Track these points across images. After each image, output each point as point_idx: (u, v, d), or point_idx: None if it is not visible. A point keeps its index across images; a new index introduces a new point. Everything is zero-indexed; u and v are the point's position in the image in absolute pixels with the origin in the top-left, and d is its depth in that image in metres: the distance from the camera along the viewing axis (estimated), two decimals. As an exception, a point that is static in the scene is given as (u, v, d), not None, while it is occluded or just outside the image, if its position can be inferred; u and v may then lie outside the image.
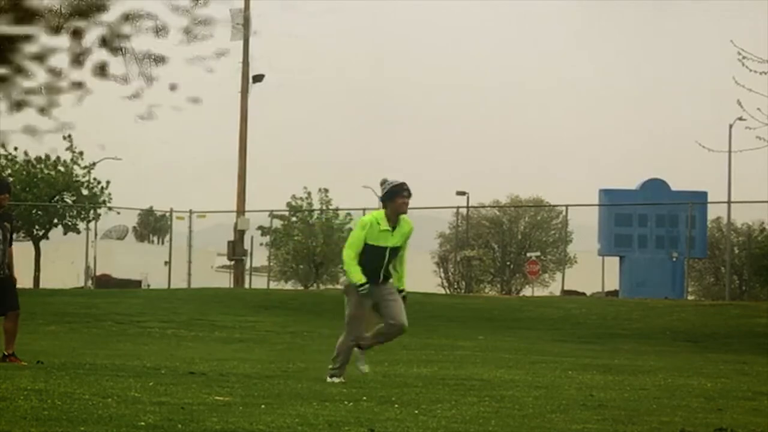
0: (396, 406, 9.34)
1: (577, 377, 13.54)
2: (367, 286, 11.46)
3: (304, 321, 27.57)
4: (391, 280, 11.71)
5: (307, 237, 43.52)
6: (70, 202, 42.22)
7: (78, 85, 5.17)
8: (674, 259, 40.29)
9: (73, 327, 25.01)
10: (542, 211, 52.55)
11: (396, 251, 11.63)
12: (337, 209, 43.86)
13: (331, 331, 24.34)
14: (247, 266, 43.34)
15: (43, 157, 41.20)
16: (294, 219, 44.19)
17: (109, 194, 42.13)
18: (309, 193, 43.84)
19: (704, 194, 41.04)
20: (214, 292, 34.34)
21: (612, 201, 40.84)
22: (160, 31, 5.32)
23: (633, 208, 40.64)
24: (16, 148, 40.88)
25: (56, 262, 47.42)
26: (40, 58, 5.02)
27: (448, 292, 45.06)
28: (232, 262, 42.54)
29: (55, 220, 41.59)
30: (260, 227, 44.54)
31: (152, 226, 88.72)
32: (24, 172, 41.02)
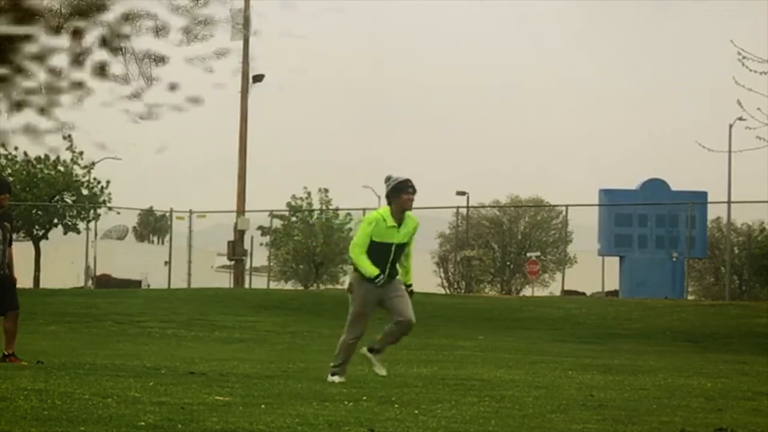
0: (396, 406, 9.34)
1: (577, 377, 13.54)
2: (382, 277, 11.43)
3: (304, 321, 27.57)
4: (397, 277, 11.69)
5: (307, 237, 43.53)
6: (70, 202, 42.23)
7: (78, 85, 5.17)
8: (674, 259, 40.30)
9: (73, 327, 25.01)
10: (542, 211, 52.56)
11: (402, 248, 11.60)
12: (337, 209, 43.88)
13: (331, 331, 24.35)
14: (247, 266, 43.35)
15: (42, 157, 41.20)
16: (294, 219, 44.20)
17: (109, 194, 42.16)
18: (309, 193, 43.88)
19: (704, 194, 41.05)
20: (214, 292, 34.34)
21: (612, 201, 40.84)
22: (160, 31, 5.33)
23: (633, 208, 40.64)
24: (16, 148, 40.91)
25: (56, 262, 47.43)
26: (40, 58, 5.02)
27: (448, 292, 45.08)
28: (232, 262, 42.54)
29: (55, 220, 41.59)
30: (260, 227, 44.56)
31: (152, 226, 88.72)
32: (24, 172, 41.03)
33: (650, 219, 40.67)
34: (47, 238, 42.23)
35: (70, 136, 41.38)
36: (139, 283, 53.67)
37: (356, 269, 11.73)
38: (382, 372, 11.82)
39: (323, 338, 23.11)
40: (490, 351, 19.97)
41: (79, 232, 41.88)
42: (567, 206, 42.41)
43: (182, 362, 14.31)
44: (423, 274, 45.12)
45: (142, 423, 7.69)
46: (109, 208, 42.96)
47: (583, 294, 42.79)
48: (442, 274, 48.33)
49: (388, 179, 11.74)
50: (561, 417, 8.97)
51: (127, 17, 5.24)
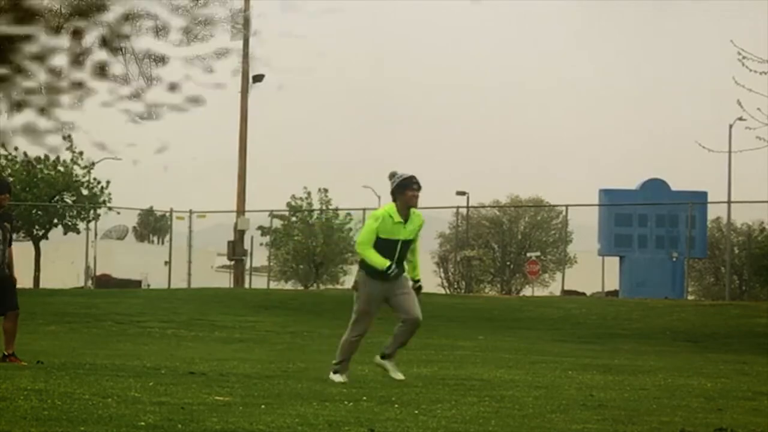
0: (396, 406, 9.34)
1: (577, 377, 13.54)
2: (394, 267, 11.40)
3: (304, 321, 27.57)
4: (404, 274, 11.64)
5: (307, 237, 43.53)
6: (70, 202, 42.23)
7: (78, 85, 5.17)
8: (674, 259, 40.30)
9: (73, 327, 25.01)
10: (542, 211, 52.56)
11: (408, 244, 11.54)
12: (337, 209, 43.88)
13: (331, 331, 24.35)
14: (247, 266, 43.35)
15: (42, 157, 41.21)
16: (294, 219, 44.20)
17: (109, 194, 42.17)
18: (309, 193, 43.88)
19: (704, 194, 41.05)
20: (214, 292, 34.35)
21: (612, 201, 40.85)
22: (160, 31, 5.33)
23: (633, 208, 40.65)
24: (16, 148, 40.90)
25: (56, 262, 47.43)
26: (40, 58, 5.02)
27: (448, 292, 45.08)
28: (232, 262, 42.55)
29: (55, 220, 41.60)
30: (260, 227, 44.56)
31: (152, 226, 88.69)
32: (24, 172, 41.03)
33: (650, 219, 40.68)
34: (47, 238, 42.24)
35: (70, 136, 41.41)
36: (139, 283, 53.67)
37: (362, 266, 11.67)
38: (399, 376, 11.70)
39: (323, 338, 23.11)
40: (490, 351, 19.97)
41: (79, 232, 41.89)
42: (567, 206, 42.41)
43: (182, 362, 14.31)
44: (423, 274, 44.75)
45: (142, 423, 7.69)
46: (109, 208, 42.97)
47: (583, 294, 42.79)
48: (442, 274, 48.33)
49: (392, 176, 11.67)
50: (561, 417, 8.97)
51: (127, 17, 5.24)
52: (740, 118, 26.67)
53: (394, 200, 11.59)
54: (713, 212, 43.48)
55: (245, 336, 23.85)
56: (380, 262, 11.38)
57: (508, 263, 51.30)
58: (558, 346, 22.70)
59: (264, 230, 44.51)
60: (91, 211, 41.99)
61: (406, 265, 11.66)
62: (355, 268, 43.11)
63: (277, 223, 44.38)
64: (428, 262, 47.53)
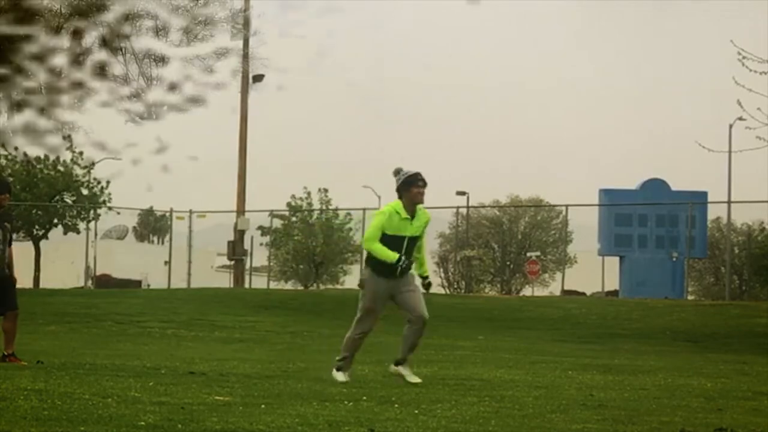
0: (396, 406, 9.34)
1: (577, 377, 13.54)
2: (404, 259, 11.37)
3: (304, 321, 27.58)
4: (410, 272, 11.61)
5: (307, 237, 43.54)
6: (70, 202, 42.22)
7: (78, 85, 5.18)
8: (674, 259, 40.30)
9: (73, 327, 25.01)
10: (542, 211, 52.56)
11: (414, 241, 11.49)
12: (336, 209, 43.88)
13: (331, 331, 24.35)
14: (247, 266, 43.36)
15: (42, 157, 41.20)
16: (294, 219, 44.21)
17: (109, 194, 42.16)
18: (309, 193, 43.88)
19: (704, 194, 41.04)
20: (214, 292, 34.35)
21: (612, 201, 40.86)
22: (160, 31, 5.33)
23: (633, 208, 40.65)
24: (16, 148, 40.89)
25: (56, 262, 47.43)
26: (40, 58, 5.03)
27: (448, 292, 45.07)
28: (232, 262, 42.56)
29: (55, 220, 41.59)
30: (260, 227, 44.56)
31: (152, 226, 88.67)
32: (24, 172, 41.03)
33: (650, 219, 40.68)
34: (47, 238, 42.23)
35: (70, 136, 41.44)
36: (139, 283, 53.67)
37: (368, 264, 11.61)
38: (416, 379, 11.56)
39: (323, 338, 23.12)
40: (490, 351, 19.97)
41: (79, 232, 41.88)
42: (567, 206, 42.41)
43: (182, 362, 14.31)
44: (423, 274, 44.89)
45: (142, 423, 7.69)
46: (109, 208, 42.96)
47: (583, 294, 42.79)
48: (442, 274, 48.31)
49: (397, 172, 11.61)
50: (561, 417, 8.97)
51: (127, 17, 5.25)
52: (740, 118, 26.67)
53: (400, 197, 11.53)
54: (713, 212, 43.50)
55: (245, 336, 23.85)
56: (389, 255, 11.31)
57: (508, 263, 51.29)
58: (558, 346, 22.70)
59: (264, 230, 44.51)
60: (91, 211, 41.99)
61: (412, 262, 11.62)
62: (355, 268, 43.06)
63: (277, 223, 44.38)
64: (428, 262, 47.44)
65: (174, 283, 41.68)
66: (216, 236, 51.15)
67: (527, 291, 48.14)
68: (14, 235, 14.04)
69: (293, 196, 44.06)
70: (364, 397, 9.91)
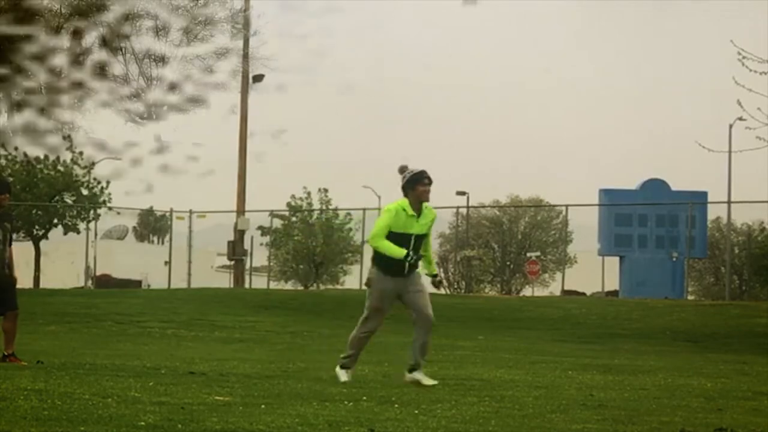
0: (396, 406, 9.34)
1: (577, 377, 13.54)
2: (412, 254, 11.33)
3: (304, 321, 27.57)
4: (417, 271, 11.57)
5: (307, 237, 43.54)
6: (70, 202, 42.22)
7: (78, 85, 5.18)
8: (674, 259, 40.30)
9: (73, 327, 25.01)
10: (542, 211, 52.56)
11: (421, 239, 11.45)
12: (336, 209, 43.89)
13: (331, 331, 24.36)
14: (247, 266, 43.36)
15: (42, 157, 41.20)
16: (294, 219, 44.21)
17: (109, 194, 42.16)
18: (309, 193, 43.88)
19: (704, 194, 41.05)
20: (214, 292, 34.36)
21: (612, 201, 40.86)
22: (160, 31, 5.33)
23: (633, 208, 40.65)
24: (16, 148, 40.88)
25: (56, 262, 47.44)
26: (40, 58, 5.03)
27: (448, 292, 45.08)
28: (232, 262, 42.56)
29: (55, 220, 41.60)
30: (260, 227, 44.57)
31: (152, 226, 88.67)
32: (24, 172, 41.02)
33: (650, 219, 40.68)
34: (47, 238, 42.24)
35: (69, 136, 41.42)
36: (139, 283, 53.67)
37: (375, 262, 11.58)
38: (432, 381, 11.51)
39: (323, 338, 23.12)
40: (490, 351, 19.97)
41: (79, 232, 41.88)
42: (567, 206, 42.44)
43: (182, 362, 14.31)
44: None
45: (142, 423, 7.69)
46: (109, 208, 42.96)
47: (583, 294, 42.79)
48: (442, 274, 48.30)
49: (402, 170, 11.59)
50: (561, 417, 8.97)
51: (127, 17, 5.25)
52: (740, 118, 26.68)
53: (405, 195, 11.51)
54: (713, 212, 43.52)
55: (245, 336, 23.84)
56: (397, 251, 11.28)
57: (508, 263, 51.30)
58: (558, 346, 22.70)
59: (264, 230, 44.51)
60: (91, 211, 41.99)
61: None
62: (355, 268, 42.97)
63: (277, 223, 44.39)
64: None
65: (174, 283, 41.69)
66: (216, 236, 51.17)
67: (527, 291, 48.13)
68: (14, 235, 14.05)
69: (293, 196, 44.08)
70: (364, 397, 9.91)
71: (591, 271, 42.77)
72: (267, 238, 44.67)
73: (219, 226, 46.52)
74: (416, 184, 11.46)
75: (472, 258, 46.52)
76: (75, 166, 41.60)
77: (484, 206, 53.31)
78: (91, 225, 42.07)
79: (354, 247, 43.30)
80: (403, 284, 11.46)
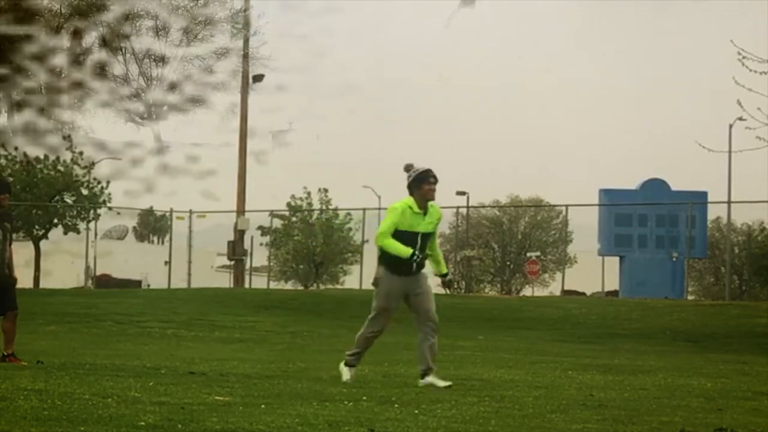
0: (396, 406, 9.34)
1: (577, 377, 13.54)
2: (417, 253, 11.29)
3: (304, 321, 27.57)
4: (423, 271, 11.54)
5: (307, 237, 43.53)
6: (70, 202, 42.21)
7: (78, 85, 5.17)
8: (674, 259, 40.31)
9: (73, 327, 25.01)
10: (542, 211, 52.56)
11: (427, 237, 11.43)
12: (336, 209, 43.88)
13: (331, 331, 24.37)
14: (247, 266, 43.36)
15: (42, 157, 41.19)
16: (294, 219, 44.21)
17: (109, 194, 42.15)
18: (309, 193, 43.88)
19: (704, 194, 41.05)
20: (214, 292, 34.36)
21: (612, 201, 40.86)
22: (160, 31, 5.33)
23: (633, 208, 40.65)
24: (16, 148, 40.87)
25: (56, 262, 47.43)
26: (40, 58, 5.02)
27: (448, 292, 45.07)
28: (232, 262, 42.57)
29: (55, 220, 41.58)
30: (260, 227, 44.57)
31: (152, 226, 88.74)
32: (24, 172, 41.01)
33: (650, 219, 40.69)
34: (47, 238, 42.23)
35: (69, 136, 41.39)
36: (139, 283, 53.68)
37: (382, 262, 11.53)
38: (445, 383, 11.50)
39: (323, 338, 23.13)
40: (490, 351, 19.97)
41: (79, 232, 41.86)
42: (567, 206, 42.44)
43: (182, 362, 14.31)
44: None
45: (142, 423, 7.69)
46: (109, 208, 42.95)
47: (583, 294, 42.79)
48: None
49: (408, 168, 11.56)
50: (561, 417, 8.97)
51: (127, 17, 5.24)
52: (740, 118, 26.69)
53: (411, 194, 11.49)
54: (713, 212, 43.51)
55: (245, 336, 23.84)
56: (403, 250, 11.26)
57: (508, 263, 51.30)
58: (558, 346, 22.69)
59: (264, 230, 44.51)
60: (91, 211, 41.99)
61: (427, 261, 11.58)
62: (355, 268, 42.91)
63: (277, 223, 44.39)
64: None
65: (174, 283, 41.68)
66: (216, 236, 51.17)
67: (527, 291, 48.14)
68: (14, 235, 14.05)
69: (293, 196, 44.07)
70: (364, 397, 9.91)
71: (591, 271, 42.77)
72: (267, 238, 44.67)
73: (219, 226, 46.53)
74: (422, 183, 11.45)
75: (472, 258, 46.52)
76: (75, 166, 41.59)
77: (484, 206, 53.31)
78: (91, 225, 42.05)
79: (354, 247, 43.30)
80: (410, 284, 11.44)
